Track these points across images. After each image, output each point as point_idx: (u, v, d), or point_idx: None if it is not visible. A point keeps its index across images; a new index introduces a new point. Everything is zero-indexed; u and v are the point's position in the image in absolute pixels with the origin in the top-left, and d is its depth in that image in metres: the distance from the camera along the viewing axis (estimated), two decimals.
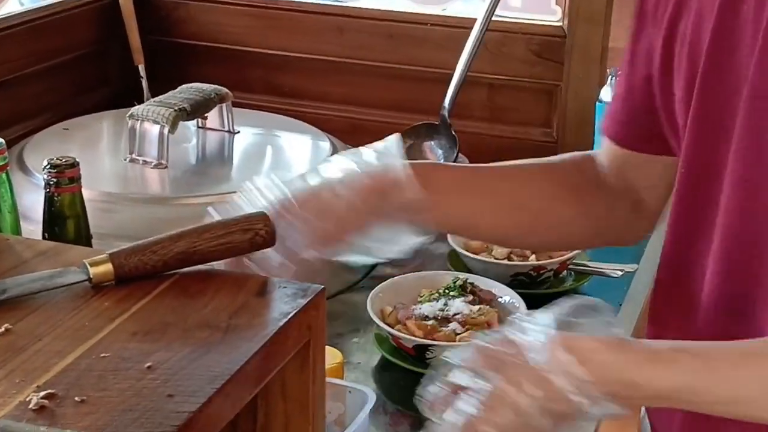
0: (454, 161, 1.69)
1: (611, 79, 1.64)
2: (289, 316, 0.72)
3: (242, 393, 0.68)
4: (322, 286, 0.77)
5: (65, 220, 1.06)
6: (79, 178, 1.06)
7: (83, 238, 1.08)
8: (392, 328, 1.21)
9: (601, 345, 0.78)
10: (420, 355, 1.19)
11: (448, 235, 1.43)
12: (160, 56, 1.95)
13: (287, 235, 0.87)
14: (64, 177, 1.05)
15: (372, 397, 1.00)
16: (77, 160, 1.06)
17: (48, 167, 1.05)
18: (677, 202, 0.97)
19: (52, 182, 1.05)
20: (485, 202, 1.03)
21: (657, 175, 1.04)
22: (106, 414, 0.61)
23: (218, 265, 0.79)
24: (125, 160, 1.43)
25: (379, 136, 1.74)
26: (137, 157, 1.43)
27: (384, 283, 1.30)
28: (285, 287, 0.76)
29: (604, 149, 1.08)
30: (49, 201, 1.06)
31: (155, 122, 1.41)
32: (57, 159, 1.06)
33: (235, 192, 1.36)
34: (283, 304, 0.74)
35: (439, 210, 0.98)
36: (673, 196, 0.98)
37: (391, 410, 1.16)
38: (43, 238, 1.06)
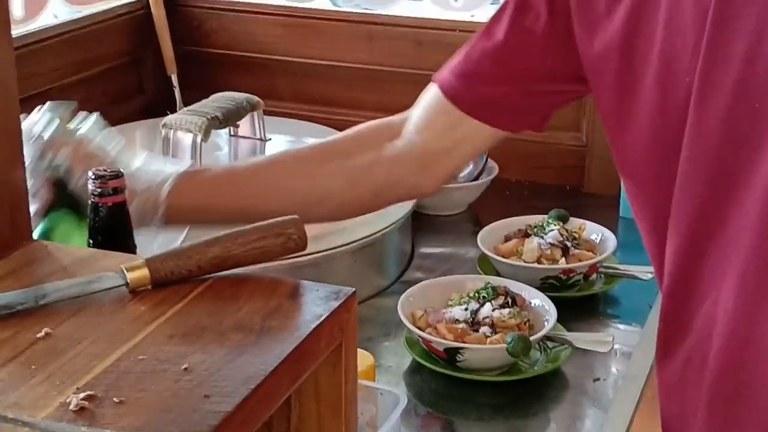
0: (483, 167, 1.70)
1: None
2: (322, 318, 0.74)
3: (276, 394, 0.69)
4: (354, 289, 0.78)
5: (109, 230, 1.08)
6: (124, 188, 1.08)
7: (127, 247, 1.09)
8: (423, 331, 1.22)
9: None
10: (451, 359, 1.20)
11: (478, 240, 1.44)
12: (193, 66, 1.97)
13: None
14: (108, 187, 1.07)
15: (403, 400, 1.01)
16: (122, 170, 1.08)
17: (92, 177, 1.07)
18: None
19: (96, 192, 1.07)
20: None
21: (477, 142, 1.10)
22: (144, 414, 0.62)
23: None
24: None
25: None
26: None
27: (414, 287, 1.31)
28: (317, 290, 0.78)
29: (428, 103, 1.11)
30: (93, 211, 1.07)
31: (188, 131, 1.43)
32: (102, 170, 1.07)
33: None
34: (316, 307, 0.75)
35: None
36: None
37: (422, 413, 1.17)
38: (88, 246, 1.08)
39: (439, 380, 1.21)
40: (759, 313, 0.89)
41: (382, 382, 1.14)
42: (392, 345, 1.29)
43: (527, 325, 1.24)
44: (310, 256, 1.31)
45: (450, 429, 1.15)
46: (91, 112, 1.81)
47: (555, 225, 1.44)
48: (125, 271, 0.76)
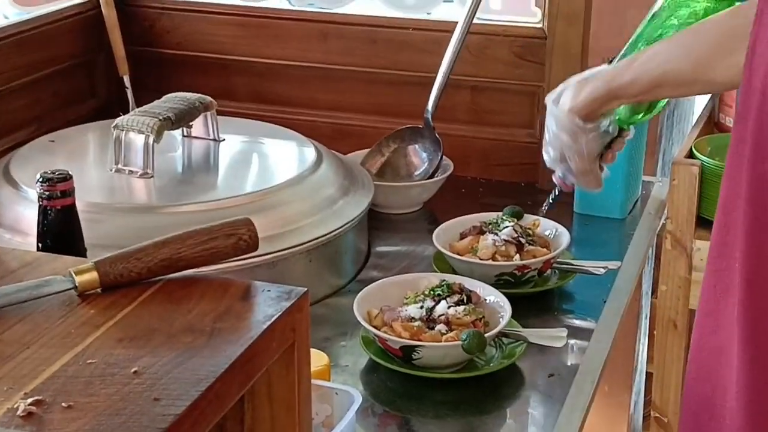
0: (438, 164, 1.71)
1: None
2: (273, 319, 0.73)
3: (228, 395, 0.69)
4: (305, 289, 0.78)
5: (59, 233, 1.06)
6: (73, 191, 1.06)
7: (77, 250, 1.08)
8: (379, 330, 1.23)
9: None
10: (407, 357, 1.20)
11: (434, 237, 1.45)
12: (146, 67, 1.96)
13: None
14: (56, 190, 1.05)
15: (358, 398, 1.01)
16: (70, 173, 1.06)
17: (40, 180, 1.05)
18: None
19: (44, 195, 1.04)
20: None
21: None
22: (93, 419, 0.62)
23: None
24: (111, 171, 1.44)
25: (365, 140, 1.79)
26: (123, 168, 1.43)
27: (370, 286, 1.31)
28: (269, 290, 0.78)
29: None
30: (42, 214, 1.05)
31: (140, 132, 1.42)
32: (50, 172, 1.05)
33: (220, 200, 1.39)
34: (267, 307, 0.75)
35: None
36: None
37: (379, 412, 1.17)
38: (38, 250, 1.06)
39: (396, 379, 1.21)
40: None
41: (339, 382, 1.14)
42: (349, 344, 1.29)
43: (482, 321, 1.24)
44: (265, 257, 1.30)
45: (407, 427, 1.15)
46: (42, 114, 1.80)
47: (509, 221, 1.45)
48: (74, 275, 0.76)
